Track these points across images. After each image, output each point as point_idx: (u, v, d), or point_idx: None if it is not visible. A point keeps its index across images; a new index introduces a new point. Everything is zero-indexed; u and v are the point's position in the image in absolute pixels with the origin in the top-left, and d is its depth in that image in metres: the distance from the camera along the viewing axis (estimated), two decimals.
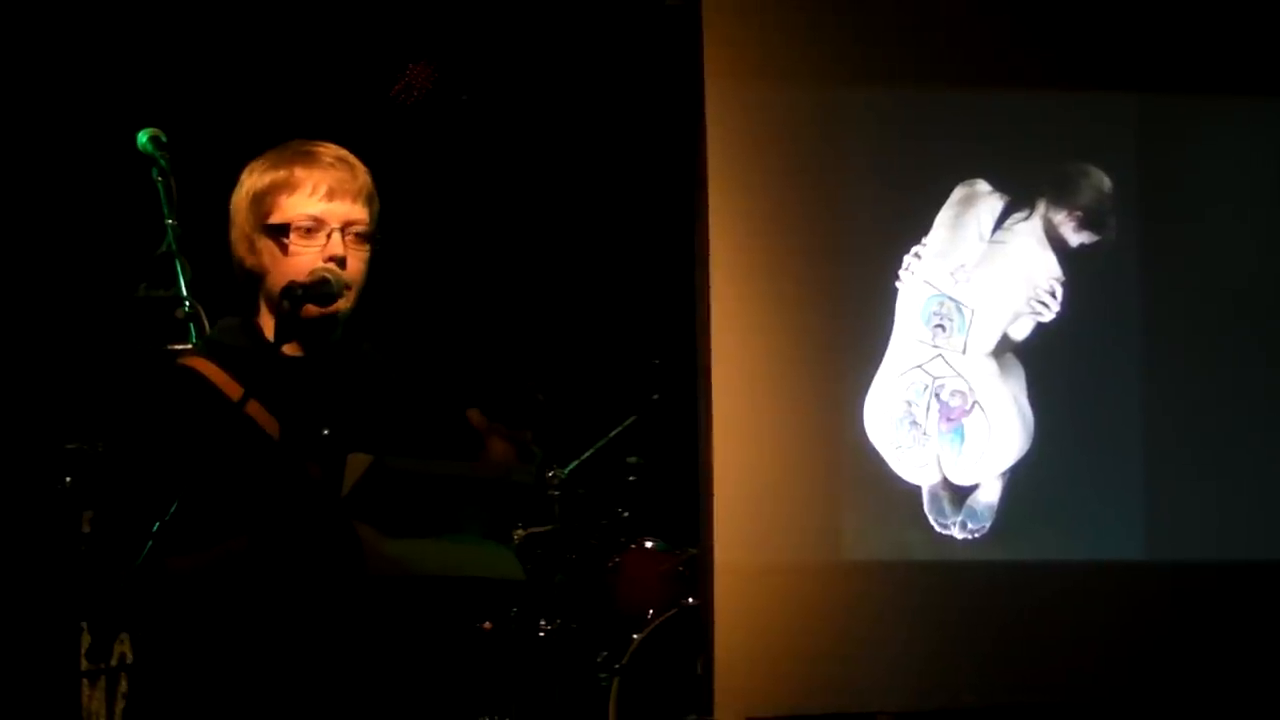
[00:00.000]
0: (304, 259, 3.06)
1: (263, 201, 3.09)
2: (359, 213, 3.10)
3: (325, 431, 3.03)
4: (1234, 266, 5.39)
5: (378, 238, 3.11)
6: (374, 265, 3.11)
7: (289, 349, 3.07)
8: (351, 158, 3.14)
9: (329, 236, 3.07)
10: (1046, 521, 5.26)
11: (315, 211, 3.07)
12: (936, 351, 5.25)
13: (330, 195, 3.08)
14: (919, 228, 5.26)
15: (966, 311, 5.27)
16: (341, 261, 3.06)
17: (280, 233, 3.07)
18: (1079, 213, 5.33)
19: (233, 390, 3.04)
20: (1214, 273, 5.38)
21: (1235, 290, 5.38)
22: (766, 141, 5.17)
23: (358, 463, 2.87)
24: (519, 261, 6.91)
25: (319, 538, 2.88)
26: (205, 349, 3.18)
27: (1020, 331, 5.30)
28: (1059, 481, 5.27)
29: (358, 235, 3.09)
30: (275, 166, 3.11)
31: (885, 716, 5.16)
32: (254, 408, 3.00)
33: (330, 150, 3.14)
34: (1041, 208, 5.32)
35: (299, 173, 3.09)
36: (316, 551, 2.89)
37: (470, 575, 3.01)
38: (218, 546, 2.93)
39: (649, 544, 6.29)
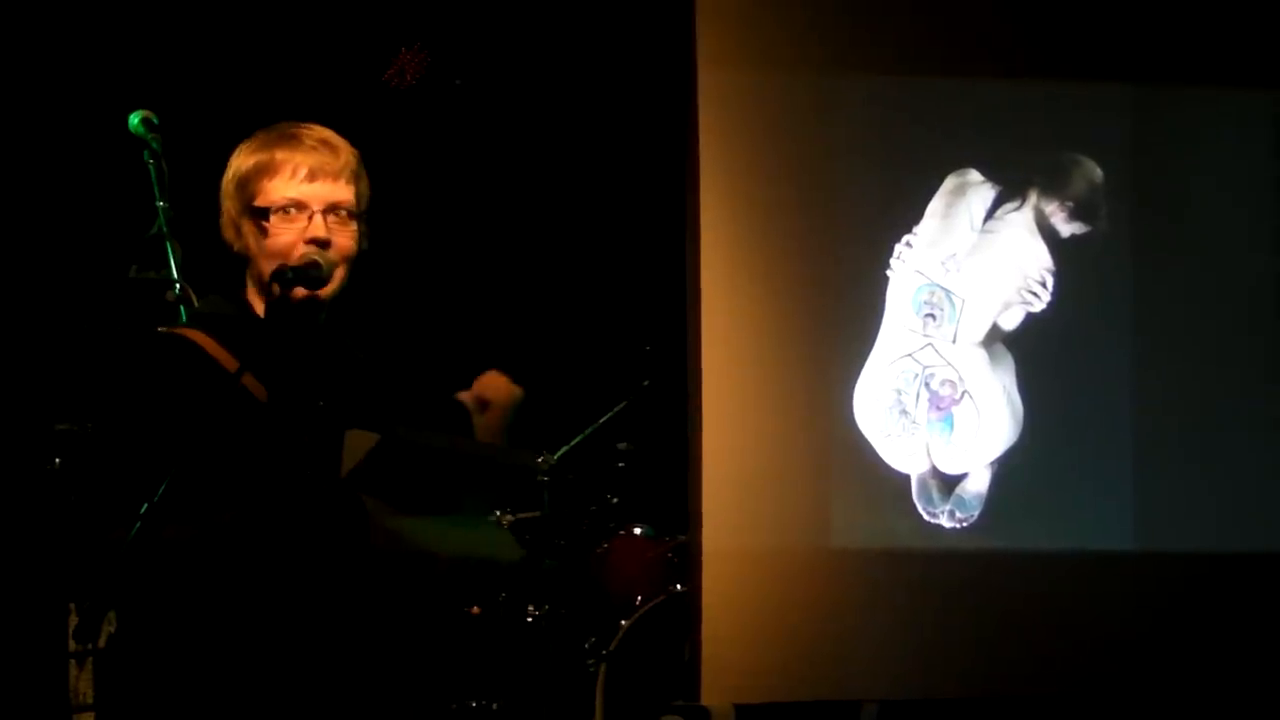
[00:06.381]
0: (283, 239, 3.06)
1: (247, 186, 3.10)
2: (343, 193, 3.10)
3: (320, 403, 3.03)
4: (1226, 258, 5.40)
5: (365, 216, 3.11)
6: (371, 241, 3.11)
7: None
8: (335, 138, 3.14)
9: (310, 219, 3.06)
10: (1035, 511, 5.27)
11: (295, 194, 3.08)
12: (927, 340, 5.26)
13: (311, 177, 3.08)
14: (910, 216, 5.26)
15: (957, 301, 5.27)
16: (324, 243, 3.06)
17: (261, 215, 3.07)
18: (1071, 203, 5.33)
19: (223, 356, 3.04)
20: (1206, 264, 5.38)
21: (1227, 281, 5.38)
22: (759, 128, 5.17)
23: (358, 440, 2.87)
24: (509, 246, 6.90)
25: (310, 508, 2.89)
26: (191, 323, 3.18)
27: (1011, 321, 5.30)
28: (1048, 471, 5.28)
29: (344, 214, 3.09)
30: (259, 150, 3.11)
31: (872, 704, 5.18)
32: (245, 375, 3.00)
33: (314, 132, 3.14)
34: (1033, 198, 5.32)
35: (280, 155, 3.09)
36: (309, 522, 2.89)
37: (473, 556, 3.02)
38: (211, 516, 2.93)
39: (638, 530, 6.28)
